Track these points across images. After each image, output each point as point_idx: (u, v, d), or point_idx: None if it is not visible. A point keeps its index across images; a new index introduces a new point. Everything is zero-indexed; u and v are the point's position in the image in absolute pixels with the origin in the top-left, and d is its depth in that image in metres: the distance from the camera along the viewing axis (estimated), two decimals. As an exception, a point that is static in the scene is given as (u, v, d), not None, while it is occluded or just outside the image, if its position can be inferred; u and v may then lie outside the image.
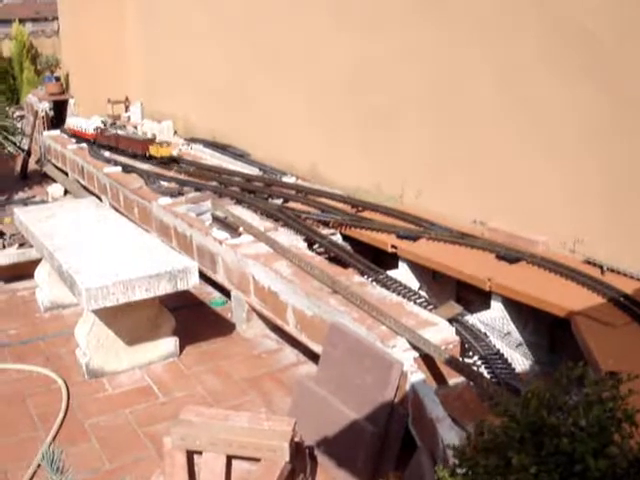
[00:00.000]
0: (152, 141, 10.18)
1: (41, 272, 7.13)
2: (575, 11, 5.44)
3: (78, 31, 13.79)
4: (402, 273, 6.26)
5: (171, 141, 10.57)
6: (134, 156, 10.20)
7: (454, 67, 6.62)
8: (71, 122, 12.39)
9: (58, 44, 15.59)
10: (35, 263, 7.26)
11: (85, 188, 10.82)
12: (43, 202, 10.48)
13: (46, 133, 13.10)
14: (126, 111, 13.59)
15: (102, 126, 11.45)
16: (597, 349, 4.26)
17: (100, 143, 11.04)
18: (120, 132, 11.20)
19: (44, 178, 12.53)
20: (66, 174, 11.80)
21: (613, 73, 5.24)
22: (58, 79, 14.59)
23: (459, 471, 2.49)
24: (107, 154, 10.59)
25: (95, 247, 6.20)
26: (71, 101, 14.10)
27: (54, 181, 12.04)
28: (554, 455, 2.29)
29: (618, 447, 2.29)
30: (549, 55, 5.69)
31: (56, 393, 5.51)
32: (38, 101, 14.11)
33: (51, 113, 14.18)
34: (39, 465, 4.56)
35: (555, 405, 2.40)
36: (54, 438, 4.89)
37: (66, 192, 11.43)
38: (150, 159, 9.95)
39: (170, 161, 9.83)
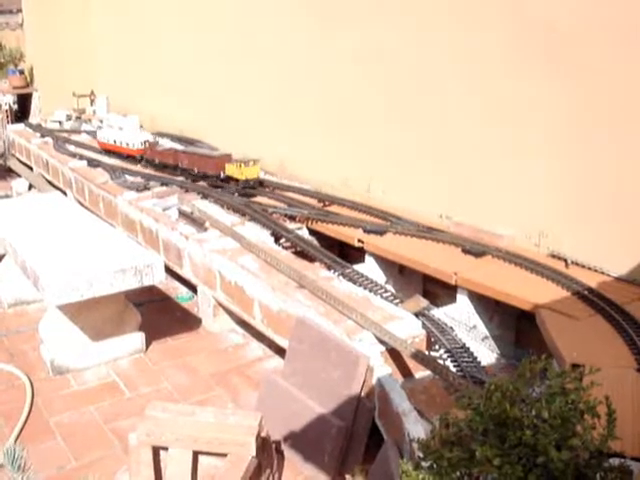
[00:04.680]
0: (229, 158, 8.01)
1: (4, 267, 7.03)
2: (541, 6, 5.49)
3: (43, 24, 13.63)
4: (369, 267, 6.28)
5: (257, 158, 7.99)
6: (203, 177, 8.05)
7: (420, 65, 6.64)
8: (104, 135, 10.17)
9: (22, 37, 15.35)
10: (-2, 258, 7.17)
11: (50, 183, 10.70)
12: (7, 197, 10.33)
13: (10, 127, 12.93)
14: (91, 105, 13.46)
15: (151, 139, 9.65)
16: (561, 342, 4.31)
17: (150, 160, 9.15)
18: (181, 147, 9.42)
19: (8, 173, 12.35)
20: (31, 168, 11.66)
21: (581, 72, 5.29)
22: (22, 72, 14.40)
23: (424, 464, 2.50)
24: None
25: (59, 242, 6.13)
26: (35, 94, 13.93)
27: (18, 176, 11.87)
28: (517, 447, 2.31)
29: (580, 439, 2.31)
30: (515, 52, 5.73)
31: (20, 390, 5.43)
32: (2, 94, 13.91)
33: (15, 107, 14.00)
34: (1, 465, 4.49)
35: (518, 397, 2.41)
36: (18, 436, 4.82)
37: (30, 187, 11.28)
38: (227, 182, 7.86)
39: (259, 185, 7.78)
